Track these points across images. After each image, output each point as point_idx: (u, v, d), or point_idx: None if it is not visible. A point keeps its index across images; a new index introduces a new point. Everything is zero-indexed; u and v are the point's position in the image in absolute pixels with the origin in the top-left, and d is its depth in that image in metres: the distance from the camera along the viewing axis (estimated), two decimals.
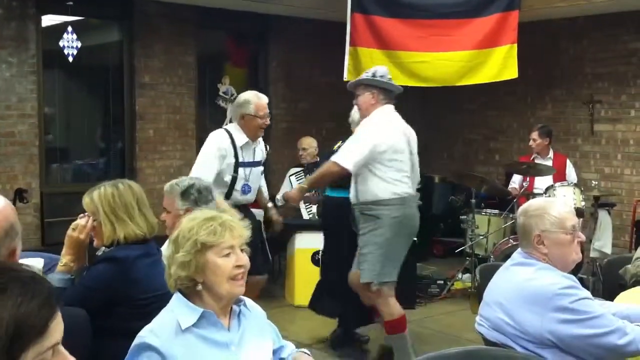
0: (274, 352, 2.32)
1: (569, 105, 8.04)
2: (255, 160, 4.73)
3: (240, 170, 4.59)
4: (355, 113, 4.78)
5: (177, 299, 2.16)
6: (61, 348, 1.23)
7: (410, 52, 6.12)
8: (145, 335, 2.06)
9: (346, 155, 4.30)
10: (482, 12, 6.09)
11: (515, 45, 5.99)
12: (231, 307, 2.21)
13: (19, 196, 6.01)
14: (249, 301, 2.30)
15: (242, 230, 2.19)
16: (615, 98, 7.64)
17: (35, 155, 6.57)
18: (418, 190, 4.67)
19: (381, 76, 4.49)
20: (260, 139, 4.82)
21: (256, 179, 4.74)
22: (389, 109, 4.49)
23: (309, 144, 6.73)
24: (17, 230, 2.04)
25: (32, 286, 1.18)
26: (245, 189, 4.66)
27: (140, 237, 2.80)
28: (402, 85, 6.19)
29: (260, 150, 4.80)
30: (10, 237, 1.98)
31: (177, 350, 2.03)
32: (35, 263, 2.77)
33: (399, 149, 4.38)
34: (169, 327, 2.07)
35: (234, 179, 4.57)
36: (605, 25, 7.54)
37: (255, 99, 4.63)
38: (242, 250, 2.17)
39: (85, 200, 2.86)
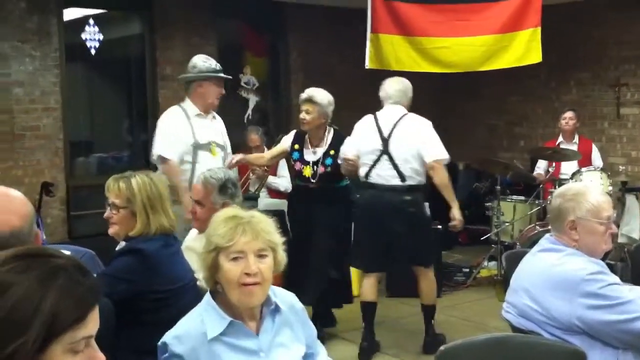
0: (305, 356, 2.21)
1: (595, 88, 7.93)
2: None
3: None
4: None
5: (207, 303, 2.09)
6: (93, 342, 1.26)
7: (431, 37, 6.05)
8: (170, 342, 2.01)
9: None
10: None
11: (539, 28, 5.89)
12: (262, 308, 2.12)
13: (45, 190, 6.07)
14: (285, 297, 2.20)
15: (264, 236, 2.04)
16: None
17: (60, 149, 6.62)
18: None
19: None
20: None
21: None
22: None
23: None
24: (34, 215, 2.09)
25: (78, 277, 1.23)
26: None
27: (169, 230, 2.77)
28: (424, 72, 6.22)
29: None
30: (34, 222, 2.04)
31: (202, 358, 1.99)
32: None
33: None
34: (195, 334, 2.01)
35: None
36: (630, 7, 7.40)
37: None
38: (261, 255, 2.04)
39: (120, 185, 2.76)
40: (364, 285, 4.81)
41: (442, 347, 2.22)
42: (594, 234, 2.55)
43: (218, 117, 4.88)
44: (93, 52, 6.91)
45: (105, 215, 2.84)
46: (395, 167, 4.63)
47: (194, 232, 3.51)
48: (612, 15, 7.59)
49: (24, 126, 6.39)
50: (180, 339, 2.01)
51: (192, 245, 3.35)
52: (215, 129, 4.78)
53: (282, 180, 6.34)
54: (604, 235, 2.57)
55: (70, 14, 6.79)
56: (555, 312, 2.44)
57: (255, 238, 2.02)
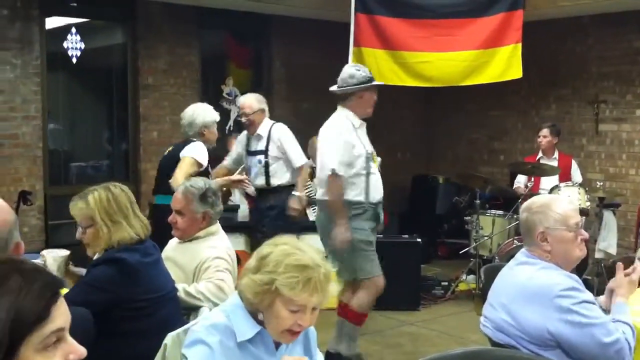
0: None
1: (574, 104, 8.01)
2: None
3: None
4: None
5: (235, 305, 2.07)
6: (67, 336, 1.24)
7: (414, 52, 6.11)
8: (200, 330, 2.01)
9: None
10: (486, 12, 6.08)
11: (520, 44, 5.97)
12: None
13: (23, 198, 6.01)
14: None
15: (328, 294, 2.04)
16: (621, 97, 7.60)
17: (39, 157, 6.56)
18: None
19: None
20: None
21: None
22: None
23: None
24: (17, 224, 2.09)
25: (33, 274, 1.21)
26: None
27: (136, 240, 2.74)
28: (406, 86, 6.26)
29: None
30: (15, 229, 2.04)
31: (226, 356, 1.98)
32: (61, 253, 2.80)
33: None
34: (223, 330, 2.01)
35: None
36: (610, 24, 7.50)
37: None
38: (314, 308, 2.03)
39: (79, 205, 2.76)
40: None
41: None
42: (565, 242, 2.58)
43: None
44: (75, 60, 6.88)
45: (77, 236, 2.84)
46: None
47: (173, 241, 3.48)
48: (596, 33, 7.68)
49: (2, 134, 6.34)
50: (210, 330, 2.00)
51: (171, 255, 3.33)
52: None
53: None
54: (575, 241, 2.59)
55: (53, 22, 6.76)
56: (528, 326, 2.46)
57: (323, 297, 2.01)
